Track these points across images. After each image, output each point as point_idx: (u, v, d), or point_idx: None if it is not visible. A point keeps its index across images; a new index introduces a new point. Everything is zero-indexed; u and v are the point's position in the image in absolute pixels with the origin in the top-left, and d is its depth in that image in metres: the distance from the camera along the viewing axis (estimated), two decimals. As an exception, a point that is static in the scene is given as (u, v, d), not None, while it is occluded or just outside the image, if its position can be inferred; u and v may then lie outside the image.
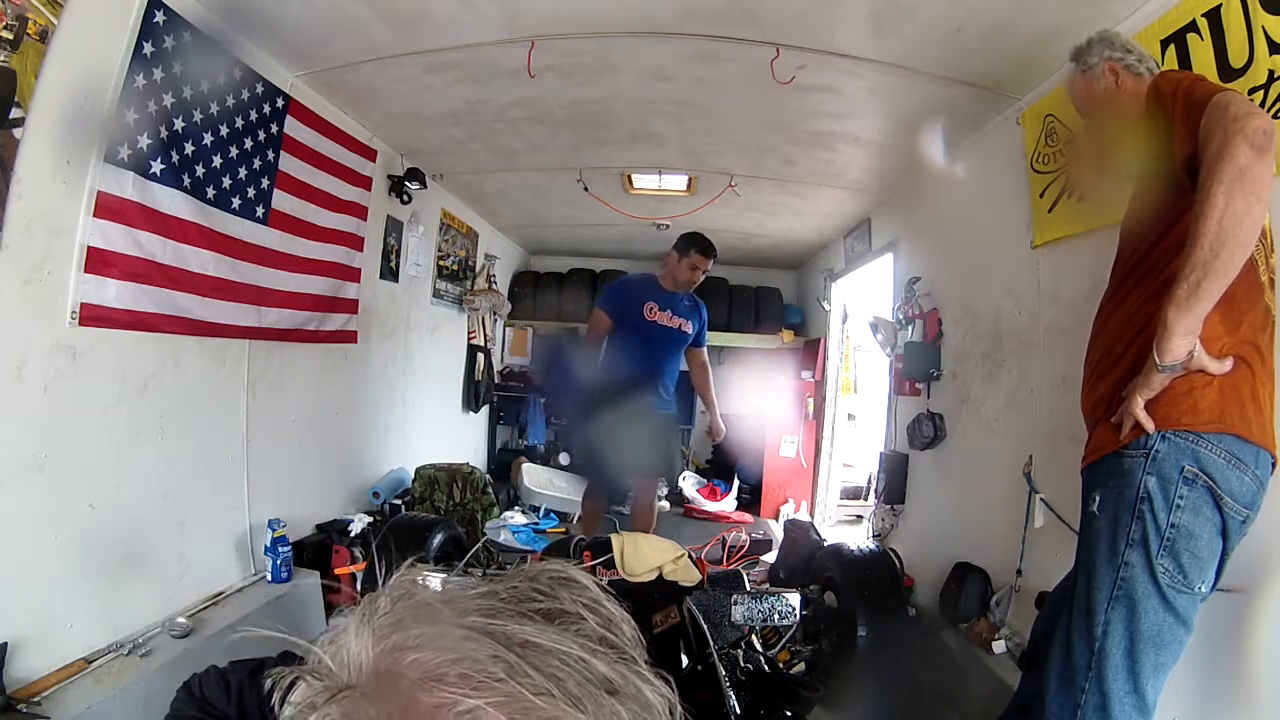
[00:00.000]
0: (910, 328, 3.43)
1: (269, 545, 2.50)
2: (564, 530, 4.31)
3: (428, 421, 4.35)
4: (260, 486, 2.61)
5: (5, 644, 1.56)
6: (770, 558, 3.66)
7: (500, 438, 5.78)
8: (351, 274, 3.18)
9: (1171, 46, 1.73)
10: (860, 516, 4.88)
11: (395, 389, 3.89)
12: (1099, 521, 1.33)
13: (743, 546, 3.77)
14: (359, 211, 3.19)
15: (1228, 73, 1.57)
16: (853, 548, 2.53)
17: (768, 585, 2.97)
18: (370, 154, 3.24)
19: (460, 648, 0.37)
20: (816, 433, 5.13)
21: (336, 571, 2.70)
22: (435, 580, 0.47)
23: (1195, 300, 1.16)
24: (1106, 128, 1.56)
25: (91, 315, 1.81)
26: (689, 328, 3.32)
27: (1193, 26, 1.67)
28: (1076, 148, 2.16)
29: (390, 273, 3.67)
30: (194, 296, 2.19)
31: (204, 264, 2.22)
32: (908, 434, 3.33)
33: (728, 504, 5.10)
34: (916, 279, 3.42)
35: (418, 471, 3.75)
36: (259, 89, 2.40)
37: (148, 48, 1.89)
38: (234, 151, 2.31)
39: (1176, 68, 1.70)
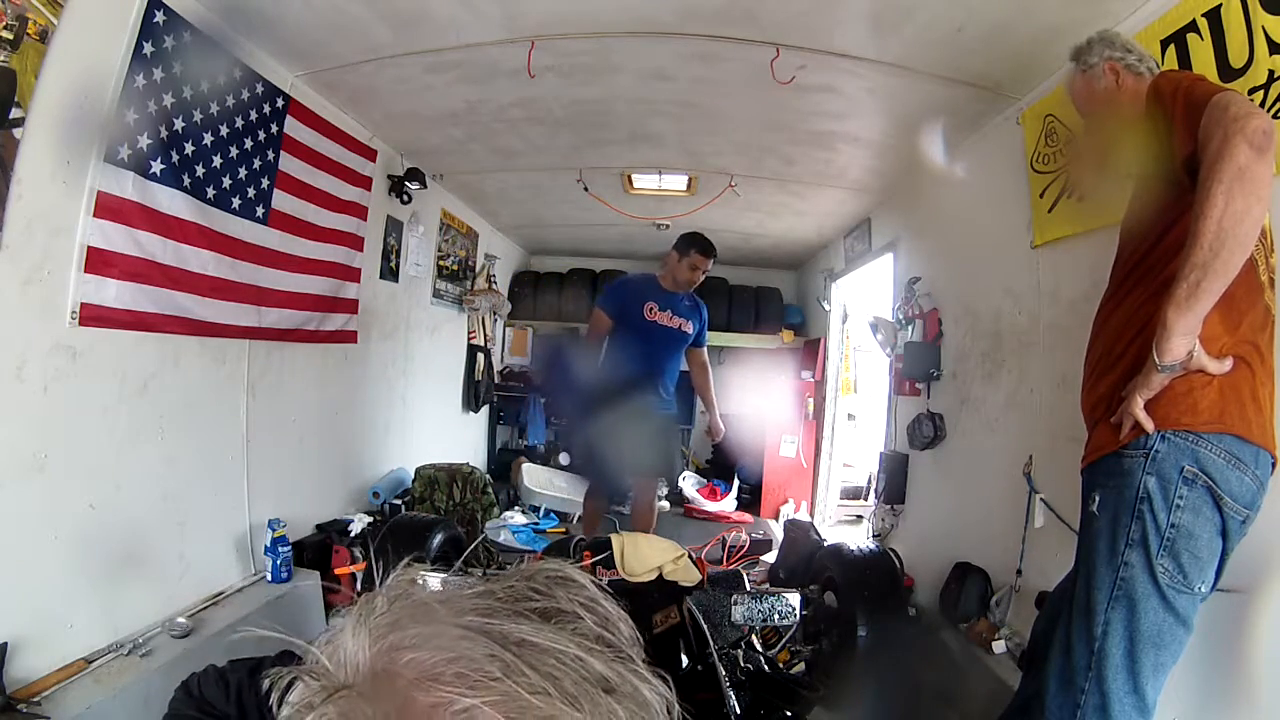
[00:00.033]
0: (910, 328, 3.43)
1: (269, 545, 2.50)
2: (564, 530, 4.32)
3: (428, 421, 4.35)
4: (260, 486, 2.61)
5: (5, 644, 1.56)
6: (770, 558, 3.67)
7: (500, 438, 5.78)
8: (351, 274, 3.18)
9: (1171, 46, 1.73)
10: (860, 516, 4.88)
11: (395, 389, 3.89)
12: (1099, 521, 1.33)
13: (743, 546, 3.77)
14: (359, 211, 3.19)
15: (1228, 73, 1.57)
16: (853, 548, 2.53)
17: (768, 585, 2.97)
18: (370, 154, 3.24)
19: (456, 647, 0.37)
20: (816, 433, 5.12)
21: (336, 571, 2.71)
22: (435, 580, 0.47)
23: (1195, 300, 1.16)
24: (1106, 127, 1.56)
25: (91, 315, 1.82)
26: (689, 328, 3.32)
27: (1193, 26, 1.67)
28: (1076, 148, 2.16)
29: (390, 273, 3.67)
30: (194, 296, 2.19)
31: (204, 264, 2.22)
32: (908, 434, 3.33)
33: (728, 504, 5.10)
34: (916, 279, 3.42)
35: (418, 471, 3.75)
36: (259, 89, 2.40)
37: (148, 48, 1.89)
38: (234, 151, 2.31)
39: (1176, 68, 1.70)
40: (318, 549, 2.84)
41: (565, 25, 2.31)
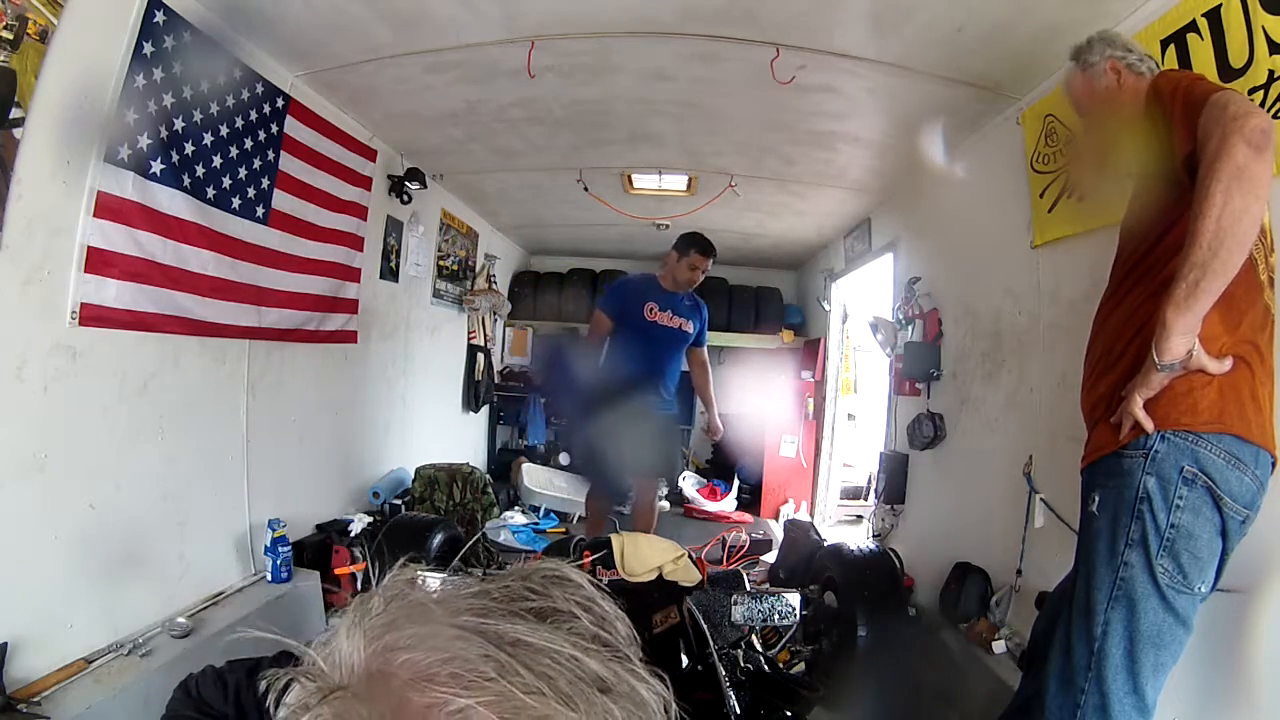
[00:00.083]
0: (910, 328, 3.43)
1: (269, 545, 2.50)
2: (564, 530, 4.32)
3: (428, 421, 4.35)
4: (260, 486, 2.61)
5: (5, 644, 1.56)
6: (770, 558, 3.66)
7: (500, 438, 5.78)
8: (351, 274, 3.18)
9: (1171, 46, 1.73)
10: (860, 516, 4.87)
11: (395, 389, 3.89)
12: (1098, 521, 1.32)
13: (743, 546, 3.77)
14: (359, 211, 3.19)
15: (1228, 73, 1.57)
16: (853, 548, 2.53)
17: (768, 585, 2.97)
18: (370, 154, 3.24)
19: (451, 647, 0.37)
20: (816, 433, 5.12)
21: (336, 572, 2.71)
22: (433, 580, 0.47)
23: (1194, 299, 1.15)
24: (1106, 127, 1.55)
25: (91, 315, 1.82)
26: (689, 328, 3.32)
27: (1193, 26, 1.67)
28: (1076, 147, 2.16)
29: (390, 273, 3.67)
30: (194, 296, 2.19)
31: (204, 264, 2.22)
32: (908, 434, 3.33)
33: (728, 504, 5.10)
34: (916, 279, 3.41)
35: (418, 471, 3.75)
36: (259, 89, 2.41)
37: (148, 48, 1.89)
38: (234, 151, 2.31)
39: (1176, 67, 1.70)
40: (318, 549, 2.84)
41: (565, 25, 2.31)
